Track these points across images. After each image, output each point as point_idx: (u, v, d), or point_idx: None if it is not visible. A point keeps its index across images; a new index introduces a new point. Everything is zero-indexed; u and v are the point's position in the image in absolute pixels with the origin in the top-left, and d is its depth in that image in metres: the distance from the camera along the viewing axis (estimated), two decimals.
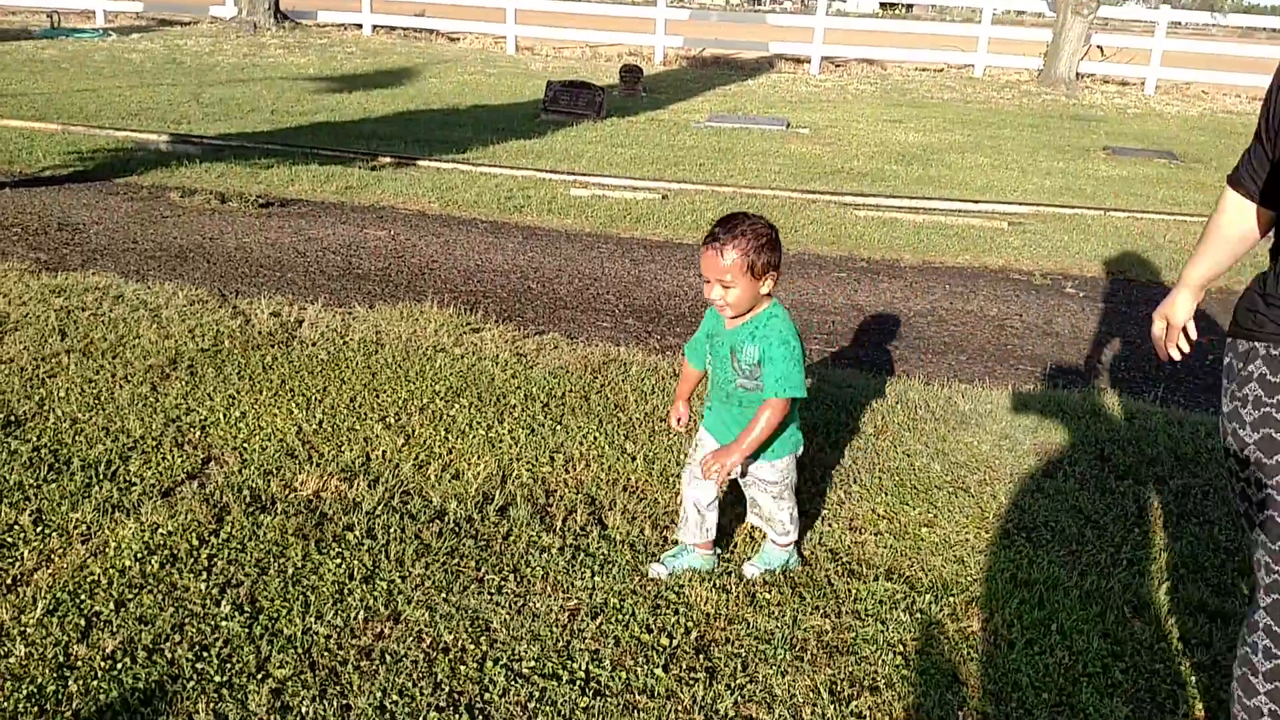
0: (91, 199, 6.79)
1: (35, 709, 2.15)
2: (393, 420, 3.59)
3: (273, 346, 4.14)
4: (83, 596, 2.50)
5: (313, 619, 2.49)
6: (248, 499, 3.00)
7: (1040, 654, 2.52)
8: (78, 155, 8.16)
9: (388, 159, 8.72)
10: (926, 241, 6.82)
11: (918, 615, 2.65)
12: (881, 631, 2.57)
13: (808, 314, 5.27)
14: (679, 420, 2.87)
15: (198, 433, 3.40)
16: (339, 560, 2.73)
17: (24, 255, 5.35)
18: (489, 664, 2.37)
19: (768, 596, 2.69)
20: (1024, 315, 5.45)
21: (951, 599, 2.72)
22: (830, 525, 3.09)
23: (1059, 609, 2.70)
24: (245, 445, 3.33)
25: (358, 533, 2.86)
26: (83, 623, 2.41)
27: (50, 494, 2.95)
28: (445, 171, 8.33)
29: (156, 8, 20.98)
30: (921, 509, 3.20)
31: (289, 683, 2.27)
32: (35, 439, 3.27)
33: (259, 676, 2.28)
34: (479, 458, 3.35)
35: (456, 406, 3.72)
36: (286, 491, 3.08)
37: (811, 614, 2.63)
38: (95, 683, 2.22)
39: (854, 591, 2.74)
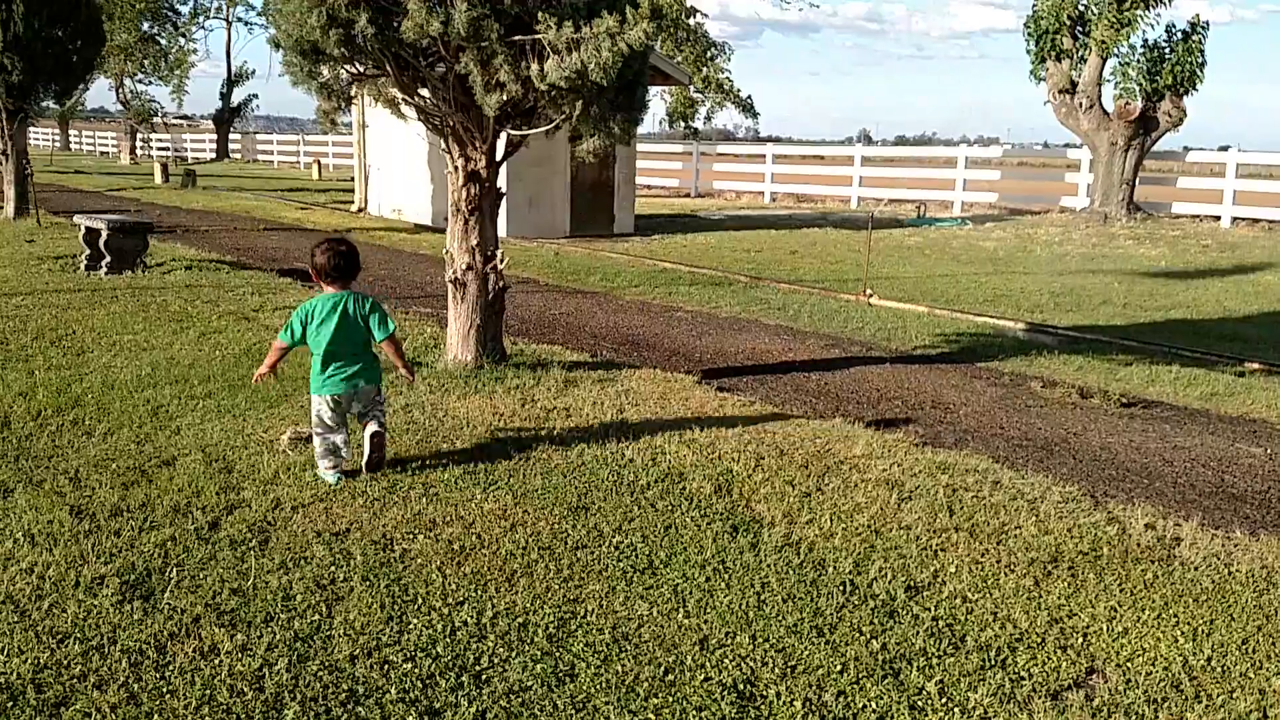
0: (958, 380, 7.41)
1: None
2: None
3: (1152, 563, 4.01)
4: None
5: None
6: None
7: None
8: (943, 336, 9.02)
9: (1255, 365, 8.05)
10: None
11: None
12: None
13: None
14: None
15: (1080, 639, 3.42)
16: None
17: (907, 428, 6.01)
18: None
19: None
20: None
21: None
22: None
23: None
24: (1129, 664, 3.26)
25: None
26: None
27: (949, 668, 3.20)
28: None
29: (1009, 198, 22.52)
30: None
31: None
32: (933, 609, 3.59)
33: None
34: None
35: None
36: None
37: None
38: None
39: None
